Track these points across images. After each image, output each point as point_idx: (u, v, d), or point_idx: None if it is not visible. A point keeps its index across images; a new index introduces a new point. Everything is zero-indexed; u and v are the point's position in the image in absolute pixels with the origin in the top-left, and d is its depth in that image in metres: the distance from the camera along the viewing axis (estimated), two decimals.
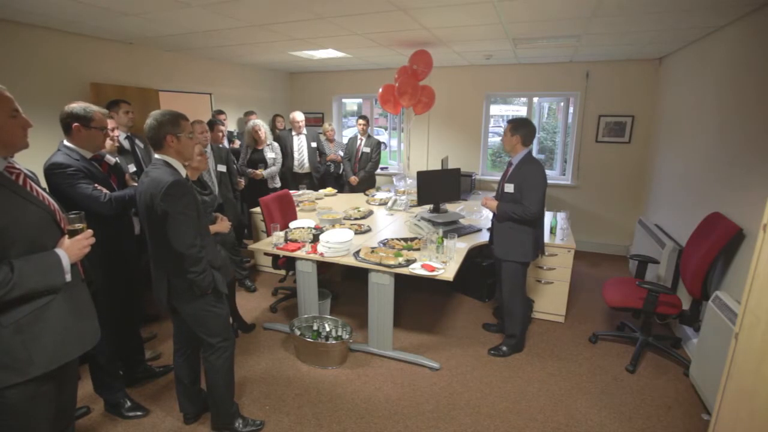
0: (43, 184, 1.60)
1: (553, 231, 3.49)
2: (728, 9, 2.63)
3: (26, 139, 1.38)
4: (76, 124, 2.02)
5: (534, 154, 6.15)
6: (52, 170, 2.01)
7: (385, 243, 3.08)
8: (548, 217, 3.76)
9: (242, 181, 4.17)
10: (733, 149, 2.78)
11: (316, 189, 5.07)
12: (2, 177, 1.30)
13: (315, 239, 3.04)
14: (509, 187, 2.77)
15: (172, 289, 1.93)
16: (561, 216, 3.70)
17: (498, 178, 5.63)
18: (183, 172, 1.92)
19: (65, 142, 2.08)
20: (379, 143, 5.24)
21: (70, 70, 3.51)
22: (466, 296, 3.94)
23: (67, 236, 1.42)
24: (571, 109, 5.41)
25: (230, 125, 5.38)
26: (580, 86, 5.01)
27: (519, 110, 8.99)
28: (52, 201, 1.45)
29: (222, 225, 2.49)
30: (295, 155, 5.06)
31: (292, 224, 3.42)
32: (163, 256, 1.89)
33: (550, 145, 7.16)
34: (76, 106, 2.03)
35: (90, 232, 1.46)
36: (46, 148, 2.12)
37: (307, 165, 5.13)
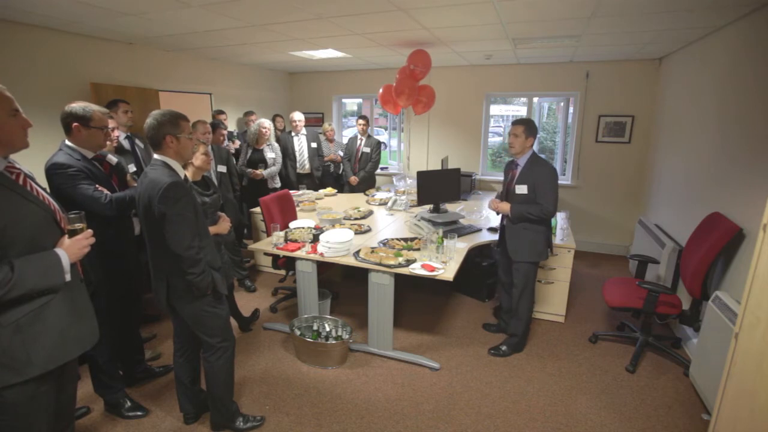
0: (43, 183, 1.60)
1: (553, 231, 3.47)
2: (728, 9, 2.63)
3: (26, 138, 1.38)
4: (75, 123, 2.02)
5: None
6: (53, 170, 2.00)
7: (385, 243, 3.08)
8: None
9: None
10: (733, 149, 2.78)
11: (316, 189, 5.07)
12: (2, 177, 1.30)
13: (315, 239, 3.04)
14: (521, 189, 2.76)
15: (171, 289, 1.93)
16: (561, 216, 3.71)
17: (498, 177, 5.69)
18: (181, 173, 1.92)
19: (67, 142, 2.08)
20: (379, 143, 5.24)
21: (70, 70, 3.51)
22: (466, 296, 3.94)
23: (66, 236, 1.42)
24: (571, 109, 5.41)
25: (230, 125, 5.38)
26: (580, 86, 5.01)
27: (519, 110, 8.99)
28: (52, 201, 1.45)
29: (222, 226, 2.49)
30: (296, 156, 5.06)
31: (292, 224, 3.42)
32: (161, 256, 1.89)
33: (550, 145, 7.17)
34: (76, 105, 2.03)
35: (90, 232, 1.46)
36: (46, 148, 2.12)
37: (307, 165, 5.13)
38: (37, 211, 1.36)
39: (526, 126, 2.73)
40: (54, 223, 1.41)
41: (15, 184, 1.33)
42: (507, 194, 2.89)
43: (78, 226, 1.43)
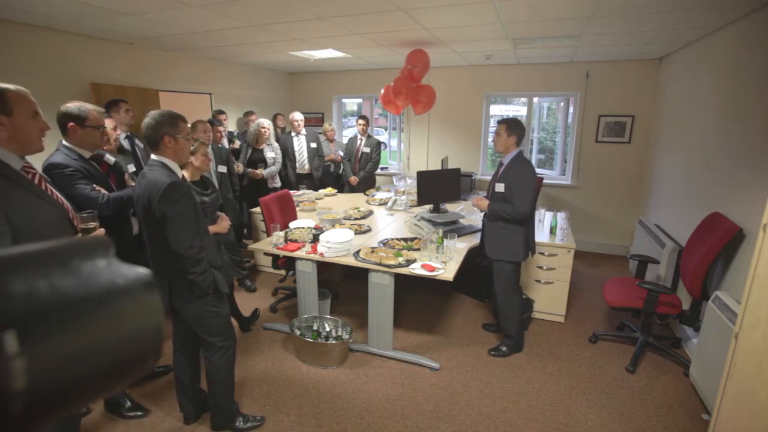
0: None
1: (553, 231, 3.49)
2: (728, 9, 2.63)
3: (42, 142, 1.41)
4: (71, 123, 2.02)
5: (534, 154, 6.18)
6: (50, 170, 2.01)
7: (385, 243, 3.08)
8: (548, 217, 3.77)
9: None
10: (733, 149, 2.78)
11: (316, 189, 5.07)
12: (19, 176, 1.33)
13: (315, 239, 3.04)
14: (500, 187, 2.78)
15: (172, 290, 1.93)
16: (561, 216, 3.70)
17: None
18: (179, 173, 1.92)
19: (64, 142, 2.08)
20: (379, 143, 5.24)
21: (70, 70, 3.51)
22: (466, 296, 3.94)
23: (80, 234, 1.45)
24: (571, 109, 5.41)
25: (230, 125, 5.39)
26: (580, 86, 5.01)
27: (519, 110, 8.99)
28: (65, 201, 1.48)
29: (221, 225, 2.49)
30: (296, 156, 5.07)
31: (292, 224, 3.42)
32: (162, 257, 1.89)
33: (550, 145, 7.17)
34: (71, 105, 2.03)
35: (102, 230, 1.49)
36: (46, 148, 2.12)
37: (307, 166, 5.14)
38: (52, 210, 1.39)
39: (507, 125, 2.76)
40: (67, 222, 1.44)
41: (31, 184, 1.36)
42: (491, 192, 2.91)
43: (91, 224, 1.48)
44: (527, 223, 2.80)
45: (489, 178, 5.69)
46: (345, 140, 5.48)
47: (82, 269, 0.33)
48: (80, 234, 1.46)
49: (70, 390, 0.31)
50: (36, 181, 1.39)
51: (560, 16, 2.89)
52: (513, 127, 2.75)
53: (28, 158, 1.46)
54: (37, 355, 0.29)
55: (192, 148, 2.35)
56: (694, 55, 3.65)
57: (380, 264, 2.68)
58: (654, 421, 2.34)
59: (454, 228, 3.44)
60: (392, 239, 3.14)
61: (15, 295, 0.29)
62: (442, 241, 2.80)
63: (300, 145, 5.07)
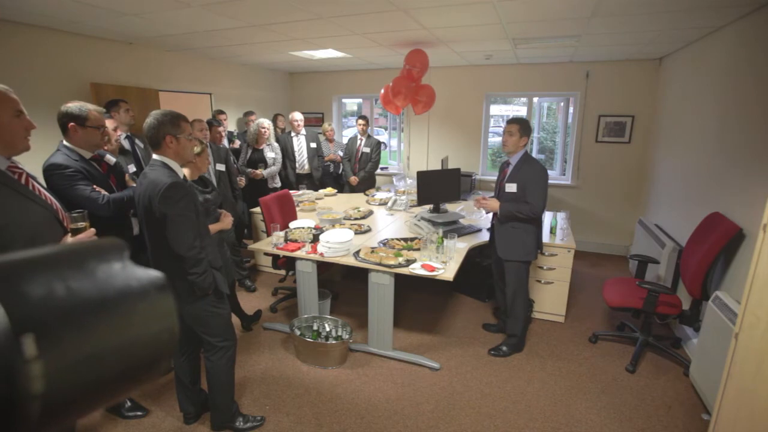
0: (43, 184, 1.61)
1: (553, 231, 3.49)
2: (728, 9, 2.63)
3: (28, 141, 1.40)
4: (71, 123, 2.02)
5: (534, 154, 6.19)
6: (50, 171, 2.00)
7: (385, 243, 3.08)
8: (548, 217, 3.77)
9: (243, 179, 4.18)
10: (733, 149, 2.78)
11: (316, 189, 5.08)
12: (3, 176, 1.31)
13: (315, 239, 3.04)
14: (511, 187, 2.77)
15: (173, 290, 1.92)
16: (561, 216, 3.71)
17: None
18: (181, 173, 1.92)
19: (65, 143, 2.08)
20: (378, 143, 5.24)
21: (70, 70, 3.51)
22: (466, 296, 3.94)
23: (70, 234, 1.43)
24: (571, 109, 5.41)
25: (230, 125, 5.39)
26: (580, 86, 5.01)
27: (519, 110, 8.99)
28: (54, 200, 1.46)
29: (225, 222, 2.48)
30: (296, 156, 5.07)
31: (292, 224, 3.42)
32: (162, 257, 1.88)
33: (550, 145, 7.16)
34: (72, 105, 2.03)
35: (92, 230, 1.47)
36: (46, 148, 2.12)
37: (307, 166, 5.13)
38: (39, 210, 1.37)
39: (521, 125, 2.75)
40: (56, 222, 1.42)
41: (17, 183, 1.35)
42: (499, 192, 2.91)
43: (81, 224, 1.45)
44: (539, 222, 2.82)
45: (489, 178, 5.77)
46: (345, 140, 5.49)
47: (98, 272, 0.33)
48: (70, 234, 1.44)
49: (85, 393, 0.31)
50: (23, 181, 1.38)
51: (560, 16, 2.89)
52: (526, 127, 2.77)
53: (27, 158, 1.47)
54: (54, 359, 0.29)
55: (197, 150, 2.35)
56: (694, 55, 3.65)
57: (380, 264, 2.69)
58: (654, 421, 2.34)
59: (454, 228, 3.44)
60: (392, 239, 3.14)
61: (33, 298, 0.29)
62: (442, 241, 2.79)
63: (299, 146, 5.07)
